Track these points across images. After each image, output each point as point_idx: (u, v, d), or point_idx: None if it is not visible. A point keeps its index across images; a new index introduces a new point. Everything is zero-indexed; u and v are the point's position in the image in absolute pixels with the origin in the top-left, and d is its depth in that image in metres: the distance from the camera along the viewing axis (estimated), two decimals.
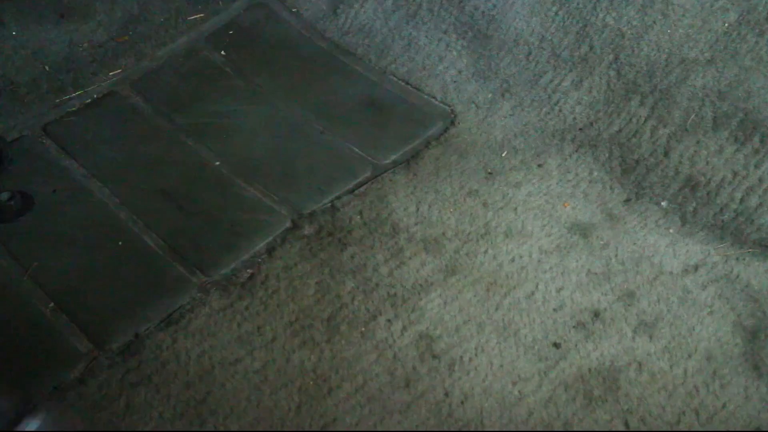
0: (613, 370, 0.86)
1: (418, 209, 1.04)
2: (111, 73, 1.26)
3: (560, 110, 1.15)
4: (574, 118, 1.14)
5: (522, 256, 0.97)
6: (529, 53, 1.20)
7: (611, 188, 1.06)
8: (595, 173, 1.08)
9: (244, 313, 0.93)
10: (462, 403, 0.83)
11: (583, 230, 1.01)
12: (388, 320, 0.91)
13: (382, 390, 0.85)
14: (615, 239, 1.00)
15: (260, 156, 1.13)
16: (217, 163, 1.11)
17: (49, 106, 1.20)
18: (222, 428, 0.82)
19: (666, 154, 1.06)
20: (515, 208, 1.03)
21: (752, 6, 1.10)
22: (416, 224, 1.02)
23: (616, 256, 0.98)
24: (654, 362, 0.86)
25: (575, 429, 0.81)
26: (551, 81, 1.17)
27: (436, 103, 1.21)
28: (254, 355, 0.88)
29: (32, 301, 0.94)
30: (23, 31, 1.28)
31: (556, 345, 0.89)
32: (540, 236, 1.00)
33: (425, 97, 1.22)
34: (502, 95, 1.19)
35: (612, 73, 1.13)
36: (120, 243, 1.01)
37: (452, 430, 0.81)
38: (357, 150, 1.13)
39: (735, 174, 1.01)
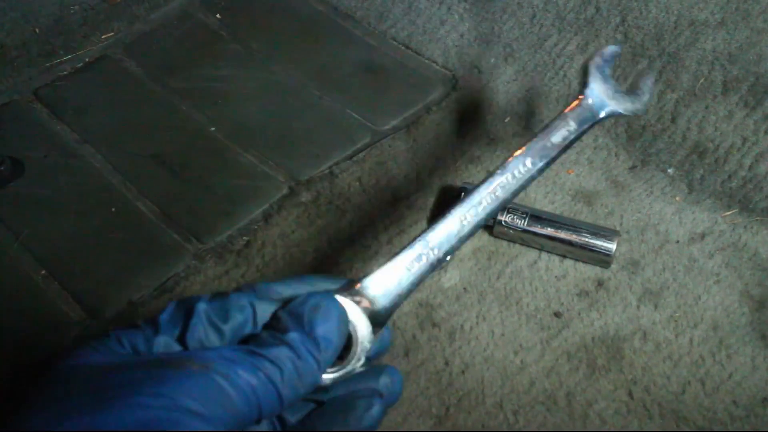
0: (617, 339, 0.84)
1: (418, 176, 1.01)
2: (103, 37, 1.23)
3: (565, 75, 1.11)
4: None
5: None
6: (534, 16, 1.17)
7: (616, 155, 1.04)
8: (600, 140, 1.05)
9: (239, 281, 0.91)
10: (462, 372, 0.82)
11: (587, 198, 0.98)
12: None
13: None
14: (620, 207, 0.97)
15: (256, 121, 1.10)
16: (212, 128, 1.09)
17: (40, 70, 1.17)
18: None
19: (673, 120, 1.03)
20: None
21: None
22: (416, 191, 1.00)
23: (621, 224, 0.96)
24: (659, 331, 0.85)
25: (578, 399, 0.79)
26: (556, 45, 1.14)
27: (437, 67, 1.18)
28: None
29: (23, 268, 0.92)
30: None
31: (559, 314, 0.87)
32: (543, 203, 0.98)
33: (426, 61, 1.19)
34: (505, 60, 1.16)
35: (619, 36, 1.10)
36: (113, 209, 0.98)
37: (452, 399, 0.80)
38: (356, 115, 1.10)
39: (744, 140, 0.99)
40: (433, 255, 0.55)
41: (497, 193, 0.59)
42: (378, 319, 0.51)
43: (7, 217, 0.98)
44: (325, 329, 0.47)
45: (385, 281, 0.53)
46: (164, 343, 0.46)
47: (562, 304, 0.88)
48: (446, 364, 0.82)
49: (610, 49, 0.69)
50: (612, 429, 0.77)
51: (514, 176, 0.60)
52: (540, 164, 0.62)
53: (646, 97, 0.70)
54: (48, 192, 1.01)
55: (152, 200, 0.99)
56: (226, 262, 0.92)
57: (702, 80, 1.03)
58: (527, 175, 0.61)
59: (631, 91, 0.70)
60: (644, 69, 0.69)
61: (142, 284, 0.91)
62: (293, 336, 0.45)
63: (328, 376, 0.48)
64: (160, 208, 0.99)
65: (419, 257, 0.54)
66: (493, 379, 0.81)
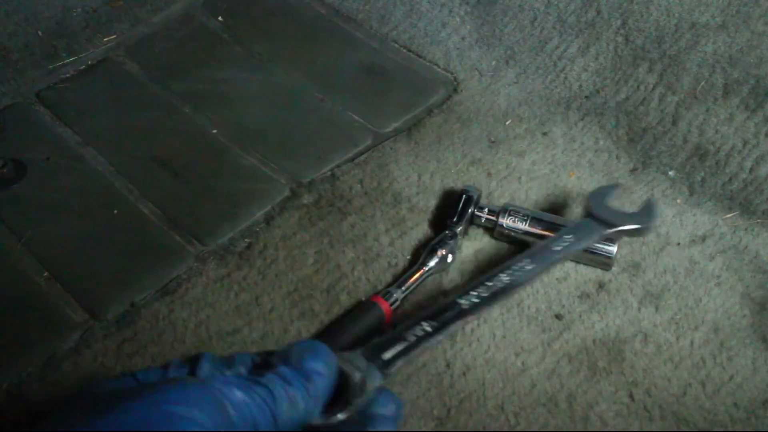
0: (618, 342, 0.84)
1: (420, 178, 1.01)
2: (105, 39, 1.23)
3: (566, 77, 1.12)
4: (580, 86, 1.11)
5: None
6: (535, 19, 1.17)
7: (617, 157, 1.04)
8: (601, 142, 1.06)
9: (241, 283, 0.91)
10: (464, 374, 0.82)
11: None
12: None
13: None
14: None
15: (258, 124, 1.10)
16: (215, 131, 1.09)
17: (43, 72, 1.18)
18: None
19: (674, 123, 1.03)
20: (519, 178, 1.01)
21: None
22: (418, 194, 1.00)
23: None
24: (660, 333, 0.85)
25: (579, 401, 0.79)
26: (557, 47, 1.14)
27: (439, 70, 1.18)
28: (252, 326, 0.87)
29: (26, 270, 0.93)
30: None
31: (560, 316, 0.87)
32: (545, 206, 0.98)
33: (427, 64, 1.19)
34: (507, 62, 1.16)
35: (620, 38, 1.10)
36: (115, 211, 0.99)
37: (454, 400, 0.80)
38: (357, 118, 1.11)
39: (745, 143, 0.99)
40: (431, 328, 0.61)
41: (496, 286, 0.69)
42: (374, 372, 0.56)
43: (9, 219, 0.98)
44: (313, 364, 0.50)
45: (383, 344, 0.58)
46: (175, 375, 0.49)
47: (563, 306, 0.88)
48: (447, 366, 0.82)
49: (609, 186, 0.86)
50: (613, 431, 0.77)
51: (513, 274, 0.71)
52: (540, 267, 0.73)
53: (649, 218, 0.83)
54: (50, 194, 1.01)
55: (154, 202, 1.00)
56: (227, 264, 0.93)
57: (703, 83, 1.04)
58: (526, 274, 0.72)
59: (637, 212, 0.84)
60: (650, 199, 0.88)
61: (144, 286, 0.91)
62: (282, 368, 0.49)
63: (322, 421, 0.51)
64: (162, 210, 0.99)
65: (419, 330, 0.61)
66: (495, 381, 0.81)
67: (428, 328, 0.61)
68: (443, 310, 0.64)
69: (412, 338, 0.60)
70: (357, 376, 0.53)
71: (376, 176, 1.02)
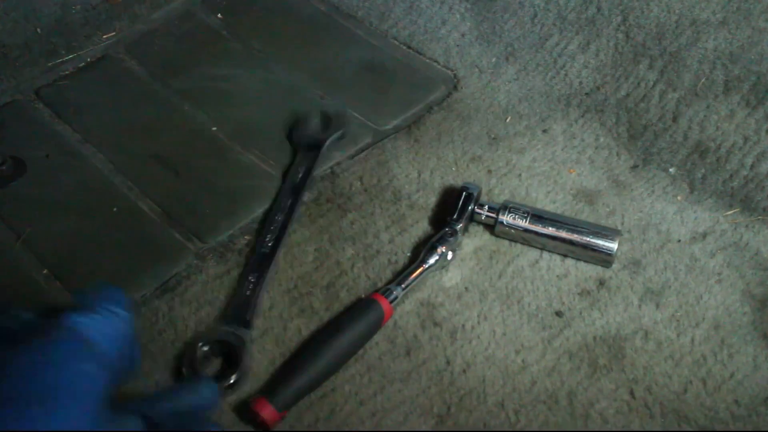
0: (619, 339, 0.84)
1: (419, 175, 1.01)
2: (105, 36, 1.23)
3: (566, 74, 1.12)
4: (581, 83, 1.11)
5: None
6: (535, 15, 1.17)
7: (618, 154, 1.04)
8: (602, 139, 1.05)
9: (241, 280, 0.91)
10: (464, 371, 0.82)
11: (588, 197, 0.98)
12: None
13: (381, 358, 0.83)
14: (621, 206, 0.97)
15: (258, 121, 1.10)
16: (214, 128, 1.09)
17: (42, 69, 1.18)
18: None
19: (675, 120, 1.03)
20: (519, 175, 1.01)
21: None
22: (418, 191, 1.00)
23: (623, 223, 0.96)
24: (660, 331, 0.85)
25: (580, 398, 0.79)
26: (557, 44, 1.14)
27: (439, 67, 1.18)
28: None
29: (25, 267, 0.92)
30: None
31: (560, 313, 0.87)
32: (545, 203, 0.98)
33: (427, 61, 1.19)
34: (507, 59, 1.16)
35: (620, 35, 1.10)
36: (114, 209, 0.98)
37: (454, 398, 0.80)
38: (357, 115, 1.10)
39: (746, 139, 0.99)
40: (254, 278, 0.90)
41: (277, 229, 0.93)
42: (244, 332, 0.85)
43: (9, 216, 0.98)
44: (116, 295, 0.58)
45: (238, 307, 0.87)
46: None
47: (564, 303, 0.88)
48: (448, 363, 0.82)
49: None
50: (613, 428, 0.77)
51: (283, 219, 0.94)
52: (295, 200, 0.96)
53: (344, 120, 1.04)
54: (50, 191, 1.01)
55: (154, 200, 0.99)
56: (227, 261, 0.92)
57: (703, 79, 1.03)
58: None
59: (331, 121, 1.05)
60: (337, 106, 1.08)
61: (143, 283, 0.91)
62: (103, 303, 0.56)
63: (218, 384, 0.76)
64: (162, 207, 0.99)
65: (249, 284, 0.89)
66: (495, 379, 0.81)
67: (252, 279, 0.87)
68: (254, 260, 0.89)
69: (247, 292, 0.86)
70: (240, 343, 0.79)
71: (375, 173, 1.02)
